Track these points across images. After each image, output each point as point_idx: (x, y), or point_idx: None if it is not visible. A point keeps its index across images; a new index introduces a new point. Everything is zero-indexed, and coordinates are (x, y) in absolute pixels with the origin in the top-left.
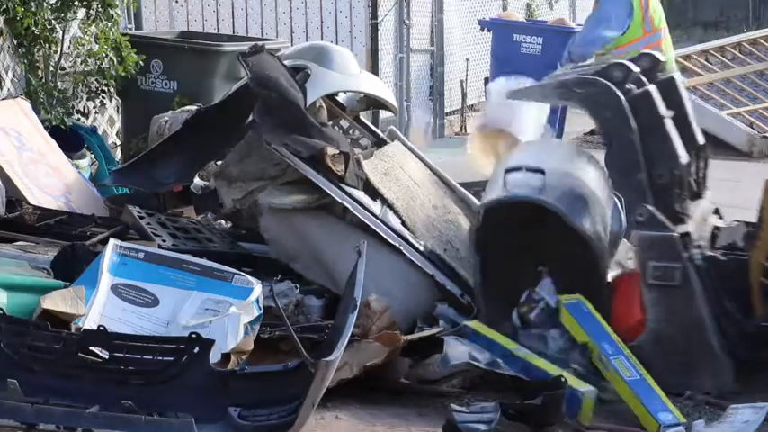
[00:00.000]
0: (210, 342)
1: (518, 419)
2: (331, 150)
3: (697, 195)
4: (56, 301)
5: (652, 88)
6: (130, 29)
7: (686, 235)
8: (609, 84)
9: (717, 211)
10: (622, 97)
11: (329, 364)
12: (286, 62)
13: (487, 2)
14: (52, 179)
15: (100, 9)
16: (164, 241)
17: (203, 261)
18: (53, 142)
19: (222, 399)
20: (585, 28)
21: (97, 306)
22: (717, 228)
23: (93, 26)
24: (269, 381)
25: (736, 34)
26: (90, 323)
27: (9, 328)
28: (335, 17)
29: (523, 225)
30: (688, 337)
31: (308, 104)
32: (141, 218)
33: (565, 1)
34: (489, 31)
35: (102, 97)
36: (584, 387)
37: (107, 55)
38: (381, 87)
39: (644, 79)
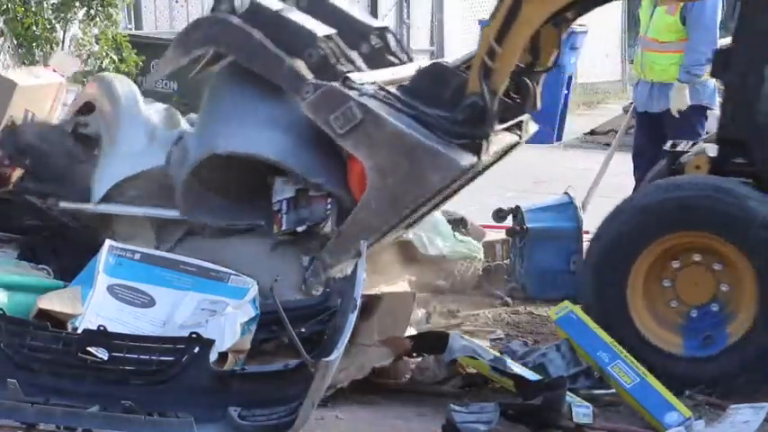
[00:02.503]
0: (210, 342)
1: (517, 420)
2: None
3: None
4: (52, 302)
5: None
6: (130, 29)
7: (345, 78)
8: (213, 15)
9: None
10: (230, 18)
11: (329, 364)
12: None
13: (487, 2)
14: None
15: (99, 8)
16: None
17: (199, 262)
18: None
19: (222, 399)
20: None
21: (93, 307)
22: None
23: (93, 26)
24: (269, 381)
25: None
26: (86, 324)
27: (9, 328)
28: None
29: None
30: (397, 150)
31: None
32: None
33: None
34: None
35: None
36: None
37: (107, 55)
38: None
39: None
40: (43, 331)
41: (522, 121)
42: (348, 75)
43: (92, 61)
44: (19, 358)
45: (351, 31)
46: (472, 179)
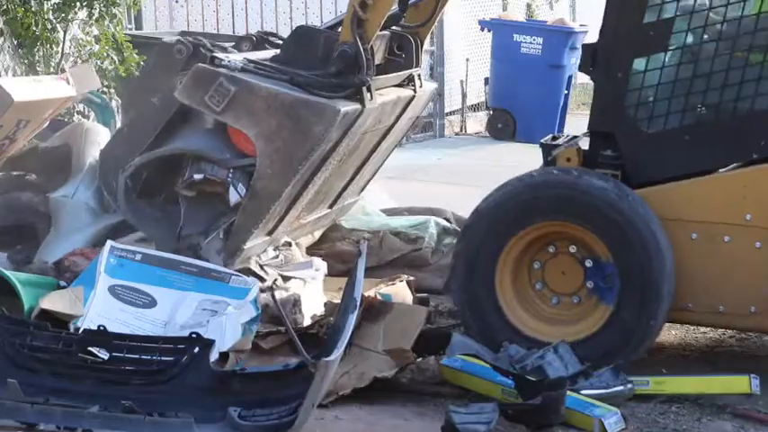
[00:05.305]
0: (210, 342)
1: (517, 420)
2: None
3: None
4: (54, 302)
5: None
6: (131, 29)
7: (213, 58)
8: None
9: None
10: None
11: (329, 364)
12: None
13: (487, 2)
14: None
15: (103, 8)
16: None
17: (200, 262)
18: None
19: (222, 399)
20: None
21: (95, 307)
22: None
23: (94, 27)
24: (269, 381)
25: None
26: (88, 324)
27: (9, 328)
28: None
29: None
30: (276, 112)
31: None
32: None
33: (565, 1)
34: (489, 31)
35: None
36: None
37: (108, 55)
38: None
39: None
40: (43, 331)
41: (413, 76)
42: (215, 54)
43: (92, 61)
44: (19, 358)
45: None
46: (377, 143)
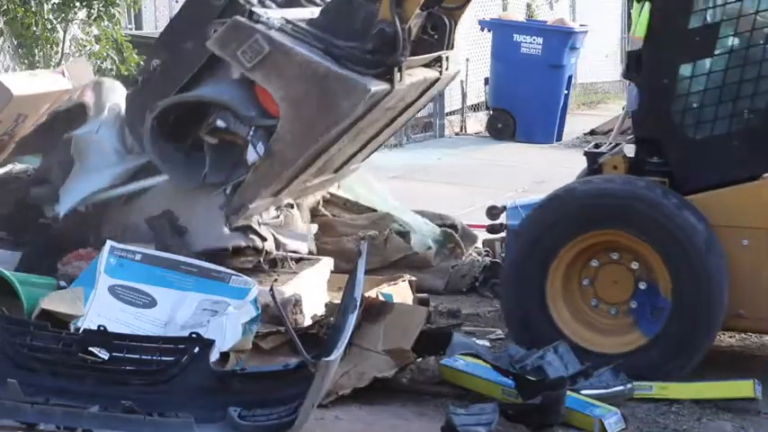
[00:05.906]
0: (210, 342)
1: (517, 420)
2: None
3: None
4: (55, 302)
5: None
6: (131, 29)
7: (251, 13)
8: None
9: None
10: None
11: (329, 364)
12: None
13: (487, 2)
14: None
15: (101, 9)
16: None
17: (200, 262)
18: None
19: (222, 399)
20: None
21: (95, 307)
22: None
23: (93, 27)
24: (269, 381)
25: None
26: (88, 324)
27: (9, 328)
28: None
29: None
30: (307, 79)
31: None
32: None
33: (565, 1)
34: (489, 31)
35: None
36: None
37: (108, 55)
38: None
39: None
40: (43, 331)
41: (441, 58)
42: (254, 9)
43: (92, 61)
44: (19, 358)
45: None
46: (395, 118)
